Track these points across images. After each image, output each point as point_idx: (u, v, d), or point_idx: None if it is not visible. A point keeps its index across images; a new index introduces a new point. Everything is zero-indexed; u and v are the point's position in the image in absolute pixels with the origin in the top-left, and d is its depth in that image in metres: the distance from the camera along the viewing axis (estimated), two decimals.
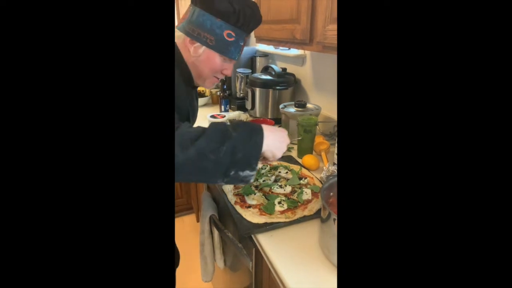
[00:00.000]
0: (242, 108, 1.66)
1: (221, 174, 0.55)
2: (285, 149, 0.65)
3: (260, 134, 0.58)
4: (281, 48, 1.62)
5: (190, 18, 0.71)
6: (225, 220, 0.93)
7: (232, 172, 0.55)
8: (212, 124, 0.56)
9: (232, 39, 0.71)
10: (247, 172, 0.56)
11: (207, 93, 1.99)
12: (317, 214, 0.76)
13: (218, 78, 0.79)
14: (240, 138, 0.55)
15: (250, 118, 1.48)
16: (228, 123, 0.59)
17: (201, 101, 1.91)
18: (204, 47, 0.71)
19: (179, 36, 0.74)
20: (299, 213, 0.76)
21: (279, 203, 0.79)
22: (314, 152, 1.12)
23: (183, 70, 0.76)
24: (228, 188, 0.88)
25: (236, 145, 0.54)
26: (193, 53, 0.72)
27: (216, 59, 0.73)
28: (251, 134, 0.57)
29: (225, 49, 0.72)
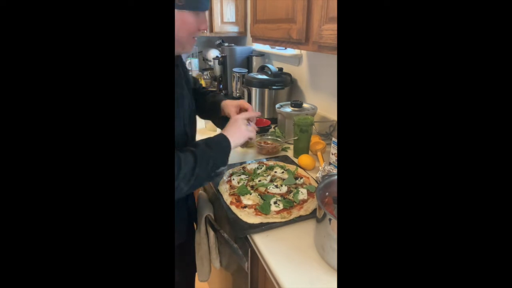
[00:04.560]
0: None
1: (208, 180, 0.74)
2: (245, 134, 0.81)
3: (227, 141, 0.76)
4: (277, 47, 1.62)
5: None
6: (220, 220, 0.93)
7: (213, 174, 0.73)
8: (198, 150, 0.70)
9: None
10: (221, 168, 0.74)
11: None
12: (313, 214, 0.76)
13: (195, 38, 0.76)
14: (216, 151, 0.73)
15: None
16: (203, 141, 0.75)
17: None
18: (175, 11, 0.65)
19: None
20: (295, 213, 0.76)
21: (275, 203, 0.79)
22: (310, 152, 1.12)
23: None
24: (224, 188, 0.87)
25: (216, 157, 0.72)
26: None
27: (190, 18, 0.68)
28: (221, 145, 0.75)
29: (196, 2, 0.67)
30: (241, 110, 0.94)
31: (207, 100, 1.01)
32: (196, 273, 1.04)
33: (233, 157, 0.96)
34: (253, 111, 0.92)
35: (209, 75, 2.22)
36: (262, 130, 1.23)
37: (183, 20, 0.67)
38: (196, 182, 0.68)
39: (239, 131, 0.80)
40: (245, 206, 0.79)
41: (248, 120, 0.88)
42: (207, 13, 0.72)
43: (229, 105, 0.94)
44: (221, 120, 0.97)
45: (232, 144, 0.76)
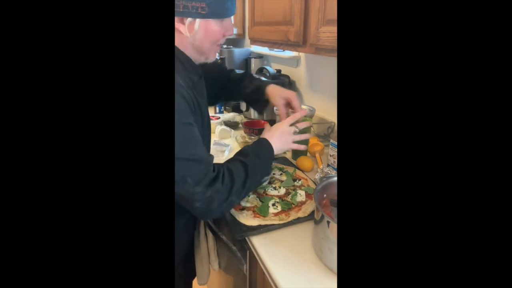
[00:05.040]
0: (237, 109, 1.66)
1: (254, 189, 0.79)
2: (289, 139, 0.78)
3: (272, 151, 0.74)
4: (275, 49, 1.62)
5: None
6: (219, 222, 0.93)
7: (258, 184, 0.77)
8: (249, 161, 0.69)
9: None
10: (265, 178, 0.78)
11: None
12: (311, 216, 0.76)
13: (219, 45, 0.70)
14: (264, 162, 0.73)
15: (244, 120, 1.48)
16: (251, 150, 0.72)
17: None
18: (197, 20, 0.59)
19: None
20: (293, 215, 0.76)
21: (273, 205, 0.79)
22: (308, 154, 1.12)
23: (184, 63, 0.66)
24: None
25: (263, 169, 0.73)
26: (188, 32, 0.60)
27: (215, 27, 0.62)
28: (269, 155, 0.74)
29: (221, 9, 0.60)
30: (288, 104, 0.88)
31: (246, 85, 0.93)
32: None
33: None
34: (300, 110, 0.84)
35: None
36: (259, 132, 1.24)
37: (207, 29, 0.62)
38: (244, 194, 0.70)
39: (284, 142, 0.78)
40: (243, 208, 0.79)
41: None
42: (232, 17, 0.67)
43: (276, 95, 0.88)
44: (263, 104, 0.93)
45: (275, 153, 0.75)
